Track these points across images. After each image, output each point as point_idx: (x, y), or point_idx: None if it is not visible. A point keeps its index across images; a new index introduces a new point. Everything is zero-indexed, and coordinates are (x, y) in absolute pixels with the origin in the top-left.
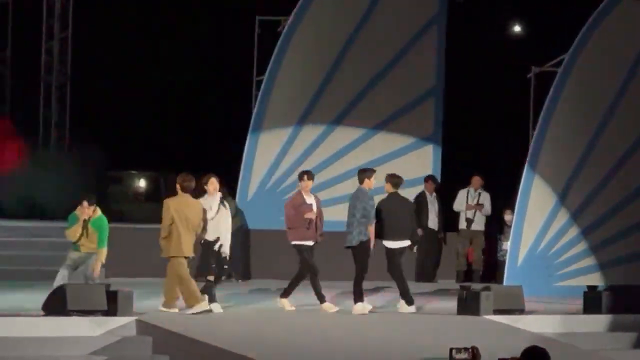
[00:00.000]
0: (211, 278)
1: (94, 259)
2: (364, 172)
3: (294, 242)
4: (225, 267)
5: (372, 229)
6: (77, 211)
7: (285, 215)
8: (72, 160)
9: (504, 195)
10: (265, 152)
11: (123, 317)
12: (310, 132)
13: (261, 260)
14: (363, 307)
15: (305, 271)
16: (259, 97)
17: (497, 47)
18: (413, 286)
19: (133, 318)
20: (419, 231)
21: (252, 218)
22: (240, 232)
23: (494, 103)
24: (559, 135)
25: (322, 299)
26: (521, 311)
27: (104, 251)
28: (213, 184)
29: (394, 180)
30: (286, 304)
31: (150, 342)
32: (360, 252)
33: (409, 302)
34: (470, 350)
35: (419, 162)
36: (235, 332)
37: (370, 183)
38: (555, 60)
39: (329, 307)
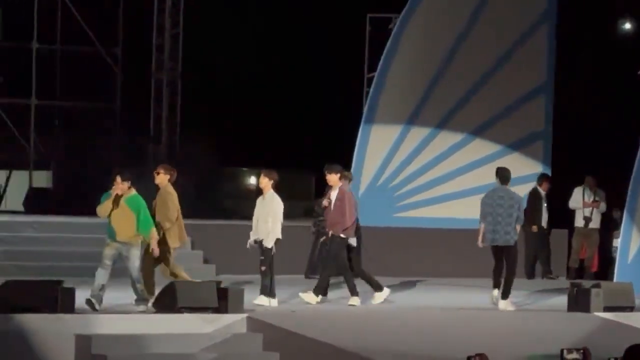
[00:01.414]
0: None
1: (133, 252)
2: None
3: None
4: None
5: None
6: (112, 190)
7: None
8: (183, 157)
9: (614, 193)
10: (377, 149)
11: (233, 314)
12: (421, 129)
13: (373, 256)
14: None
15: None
16: (369, 95)
17: (607, 44)
18: (524, 283)
19: (243, 315)
20: (534, 228)
21: (363, 214)
22: None
23: (603, 101)
24: None
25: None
26: (631, 308)
27: (154, 231)
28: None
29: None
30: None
31: (261, 339)
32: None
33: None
34: (581, 351)
35: (529, 160)
36: (347, 329)
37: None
38: None
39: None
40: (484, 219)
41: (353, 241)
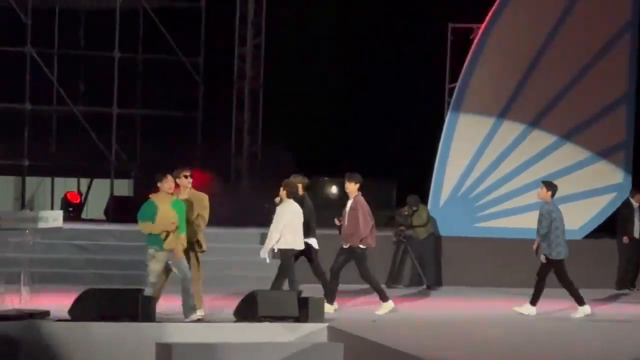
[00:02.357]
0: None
1: (181, 260)
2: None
3: None
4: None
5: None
6: (154, 197)
7: None
8: (264, 167)
9: None
10: (458, 159)
11: (314, 324)
12: (502, 140)
13: (452, 267)
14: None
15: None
16: (451, 105)
17: None
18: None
19: (324, 324)
20: (625, 239)
21: (444, 224)
22: (432, 239)
23: None
24: None
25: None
26: None
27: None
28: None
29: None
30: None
31: (342, 349)
32: None
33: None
34: None
35: (610, 170)
36: (429, 338)
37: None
38: None
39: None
40: (553, 231)
41: (314, 242)
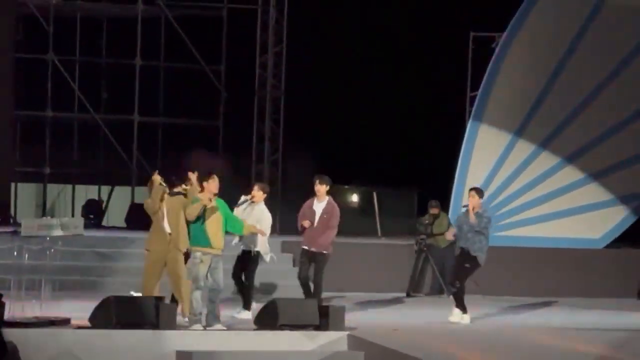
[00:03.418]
0: None
1: (220, 263)
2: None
3: None
4: None
5: None
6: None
7: None
8: (286, 174)
9: None
10: (479, 167)
11: (335, 332)
12: (523, 149)
13: (474, 275)
14: None
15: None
16: (472, 113)
17: None
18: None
19: (345, 333)
20: None
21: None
22: (453, 247)
23: None
24: None
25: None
26: None
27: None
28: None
29: None
30: None
31: (362, 357)
32: None
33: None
34: None
35: (631, 179)
36: (449, 348)
37: None
38: None
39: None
40: (487, 236)
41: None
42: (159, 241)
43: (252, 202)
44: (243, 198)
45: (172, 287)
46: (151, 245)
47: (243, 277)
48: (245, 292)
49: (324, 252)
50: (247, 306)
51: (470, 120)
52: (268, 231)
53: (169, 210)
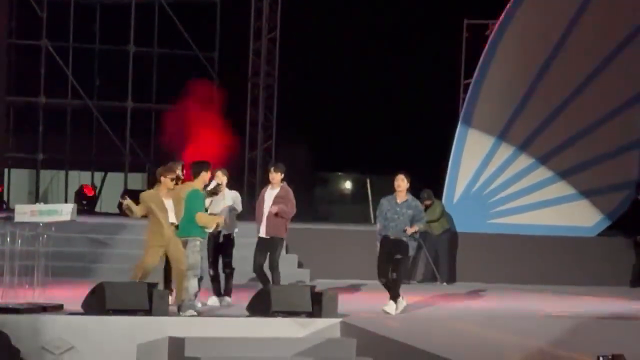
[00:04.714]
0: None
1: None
2: None
3: None
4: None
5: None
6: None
7: None
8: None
9: None
10: (472, 155)
11: (327, 319)
12: (516, 136)
13: (466, 263)
14: None
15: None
16: (466, 101)
17: None
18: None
19: (337, 320)
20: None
21: (458, 221)
22: (447, 235)
23: None
24: None
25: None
26: None
27: None
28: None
29: None
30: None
31: (355, 344)
32: None
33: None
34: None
35: (624, 167)
36: (441, 335)
37: None
38: None
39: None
40: None
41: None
42: (161, 234)
43: (217, 189)
44: (214, 185)
45: (175, 274)
46: (156, 241)
47: (222, 263)
48: (228, 276)
49: (280, 236)
50: (228, 292)
51: (464, 108)
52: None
53: (176, 201)
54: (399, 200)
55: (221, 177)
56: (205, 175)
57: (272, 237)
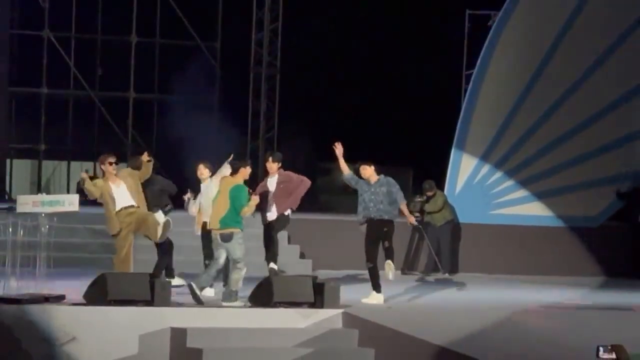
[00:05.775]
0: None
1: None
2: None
3: None
4: None
5: None
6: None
7: None
8: (281, 152)
9: None
10: (474, 146)
11: (329, 309)
12: (518, 127)
13: (469, 253)
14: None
15: None
16: (468, 91)
17: None
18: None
19: (339, 310)
20: None
21: (460, 211)
22: (450, 226)
23: None
24: None
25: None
26: None
27: None
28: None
29: None
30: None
31: (357, 335)
32: None
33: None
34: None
35: (628, 157)
36: (443, 325)
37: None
38: None
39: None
40: None
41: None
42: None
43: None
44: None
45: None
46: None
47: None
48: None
49: (284, 213)
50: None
51: (466, 98)
52: None
53: (130, 184)
54: (372, 182)
55: (203, 170)
56: (244, 171)
57: (279, 215)
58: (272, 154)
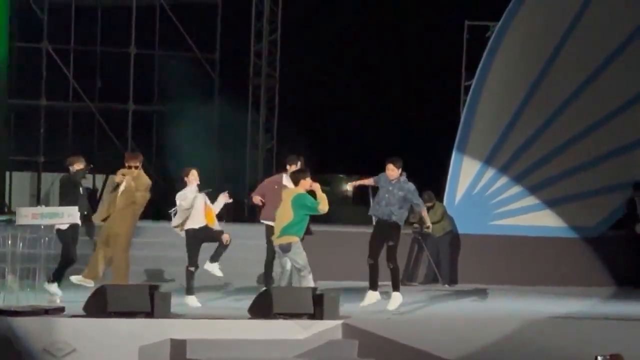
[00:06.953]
0: (192, 268)
1: None
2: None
3: None
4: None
5: None
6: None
7: None
8: (280, 163)
9: None
10: (473, 157)
11: (329, 321)
12: (518, 138)
13: (468, 264)
14: None
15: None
16: (467, 102)
17: None
18: (625, 292)
19: (339, 321)
20: None
21: (459, 222)
22: (449, 237)
23: None
24: None
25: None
26: None
27: None
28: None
29: None
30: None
31: (356, 346)
32: None
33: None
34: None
35: (628, 166)
36: (444, 336)
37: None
38: None
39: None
40: None
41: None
42: None
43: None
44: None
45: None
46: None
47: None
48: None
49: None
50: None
51: (465, 110)
52: None
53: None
54: (392, 180)
55: (196, 175)
56: (304, 183)
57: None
58: (295, 156)
